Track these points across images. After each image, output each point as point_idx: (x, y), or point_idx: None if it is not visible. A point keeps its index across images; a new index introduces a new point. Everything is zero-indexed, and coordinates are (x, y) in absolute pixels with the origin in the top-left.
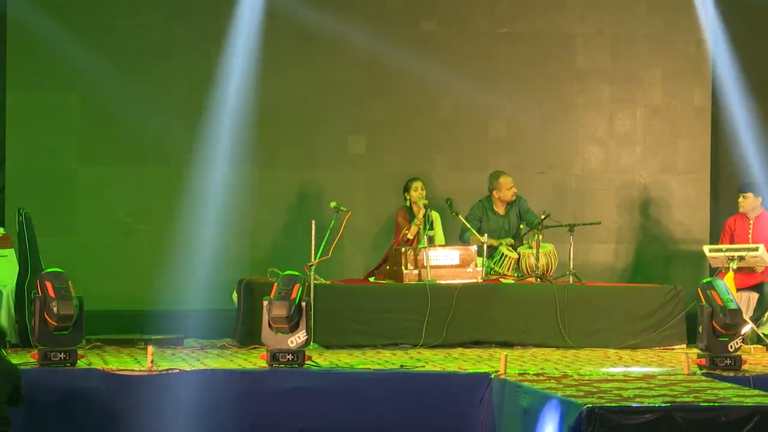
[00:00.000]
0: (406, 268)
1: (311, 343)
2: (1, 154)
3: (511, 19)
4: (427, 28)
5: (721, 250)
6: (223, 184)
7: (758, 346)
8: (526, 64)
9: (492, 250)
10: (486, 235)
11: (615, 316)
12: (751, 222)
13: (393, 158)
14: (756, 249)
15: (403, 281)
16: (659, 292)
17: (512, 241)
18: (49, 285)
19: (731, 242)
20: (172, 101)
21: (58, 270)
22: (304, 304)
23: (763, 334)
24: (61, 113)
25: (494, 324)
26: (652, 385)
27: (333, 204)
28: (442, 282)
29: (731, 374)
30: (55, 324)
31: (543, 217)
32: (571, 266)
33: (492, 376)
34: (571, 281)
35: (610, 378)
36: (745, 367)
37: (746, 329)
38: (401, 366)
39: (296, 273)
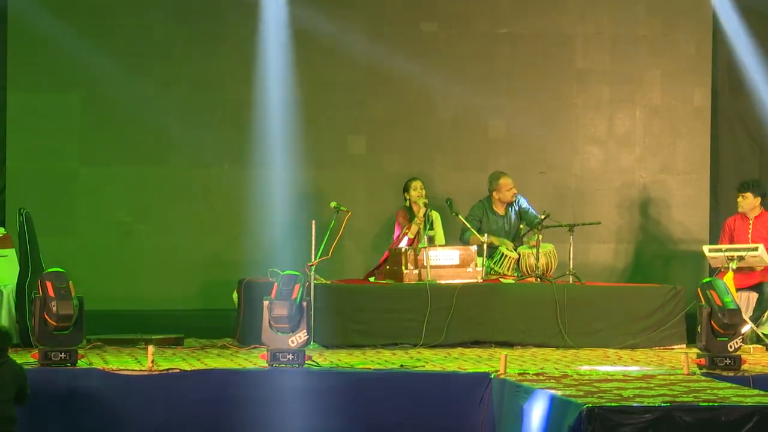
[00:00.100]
0: (406, 268)
1: (311, 343)
2: (2, 154)
3: (511, 20)
4: (427, 28)
5: (720, 250)
6: (223, 184)
7: (758, 345)
8: (526, 65)
9: (492, 250)
10: (486, 234)
11: (615, 316)
12: (751, 222)
13: (393, 158)
14: (756, 249)
15: (403, 281)
16: (659, 292)
17: (511, 244)
18: (49, 285)
19: (731, 242)
20: (172, 101)
21: (59, 270)
22: (305, 303)
23: (763, 333)
24: (61, 113)
25: (494, 324)
26: (652, 385)
27: (333, 204)
28: (442, 282)
29: (731, 374)
30: (55, 324)
31: (543, 217)
32: (571, 266)
33: (492, 376)
34: (570, 281)
35: (609, 378)
36: (744, 366)
37: (746, 329)
38: (401, 366)
39: (296, 273)
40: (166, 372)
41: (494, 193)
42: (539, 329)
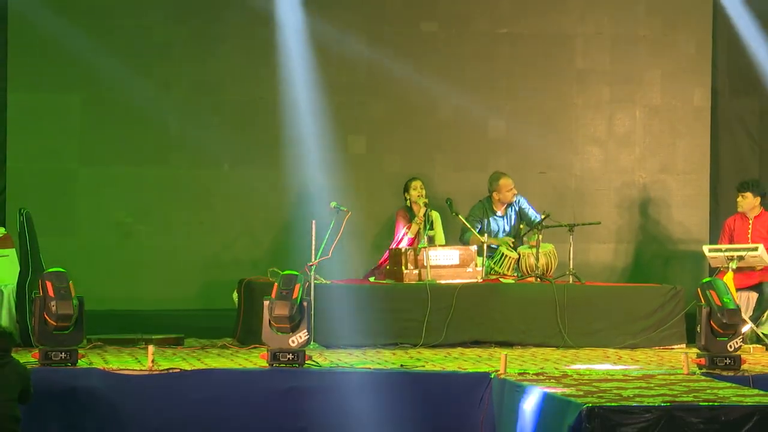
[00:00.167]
0: (406, 268)
1: (311, 343)
2: (2, 155)
3: (511, 20)
4: (427, 28)
5: (720, 250)
6: (223, 184)
7: (758, 345)
8: (526, 65)
9: (492, 250)
10: (486, 235)
11: (615, 316)
12: (751, 222)
13: (393, 158)
14: (755, 249)
15: (403, 281)
16: (659, 292)
17: (512, 240)
18: (49, 285)
19: (731, 242)
20: (172, 102)
21: (60, 270)
22: (305, 303)
23: (763, 333)
24: (61, 114)
25: (494, 324)
26: (652, 385)
27: (333, 204)
28: (442, 282)
29: (731, 374)
30: (55, 324)
31: (543, 217)
32: (571, 266)
33: (492, 376)
34: (570, 281)
35: (609, 377)
36: (744, 366)
37: (746, 329)
38: (401, 366)
39: (295, 273)
40: (166, 372)
41: (494, 194)
42: (539, 329)
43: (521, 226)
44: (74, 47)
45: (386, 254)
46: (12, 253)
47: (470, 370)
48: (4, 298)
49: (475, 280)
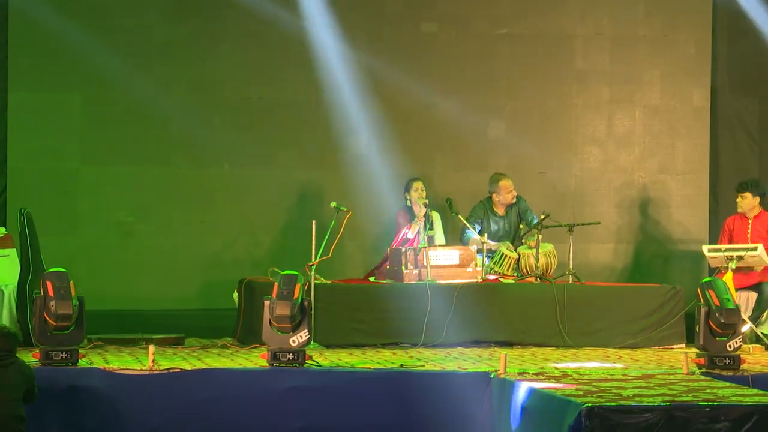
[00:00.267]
0: (406, 268)
1: (312, 343)
2: (3, 154)
3: (510, 20)
4: (427, 29)
5: (720, 250)
6: (224, 184)
7: (757, 345)
8: (526, 65)
9: (492, 251)
10: (486, 235)
11: (614, 316)
12: (750, 222)
13: (393, 158)
14: (755, 249)
15: (403, 281)
16: (658, 292)
17: (510, 245)
18: (49, 284)
19: (730, 242)
20: (172, 101)
21: (61, 270)
22: (306, 303)
23: (762, 333)
24: (62, 113)
25: (494, 323)
26: (652, 385)
27: (333, 204)
28: (442, 282)
29: (730, 373)
30: (54, 323)
31: (542, 217)
32: (571, 266)
33: (492, 376)
34: (570, 281)
35: (609, 377)
36: (743, 366)
37: (745, 329)
38: (401, 365)
39: (295, 273)
40: (166, 371)
41: (494, 195)
42: (539, 329)
43: (521, 226)
44: (75, 47)
45: (386, 254)
46: (12, 253)
47: (470, 370)
48: (4, 297)
49: (475, 280)
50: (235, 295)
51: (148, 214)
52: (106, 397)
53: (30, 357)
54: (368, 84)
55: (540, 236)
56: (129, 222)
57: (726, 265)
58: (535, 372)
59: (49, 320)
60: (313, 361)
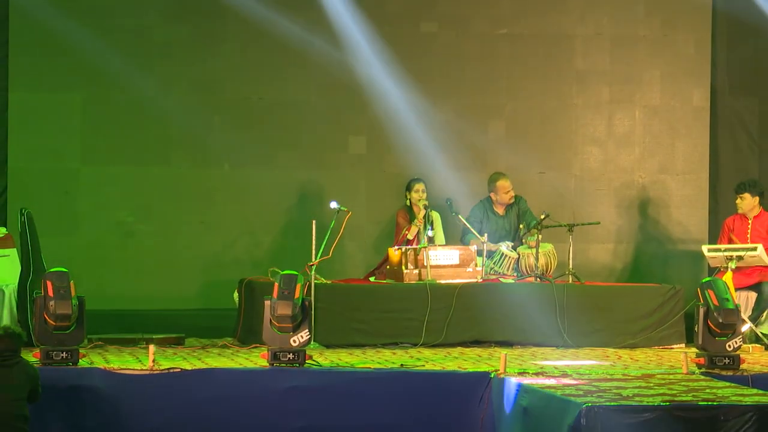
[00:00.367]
0: (407, 268)
1: (312, 343)
2: (4, 154)
3: (510, 20)
4: (427, 29)
5: (719, 250)
6: (224, 184)
7: (757, 345)
8: (526, 65)
9: (492, 251)
10: (486, 235)
11: (614, 316)
12: (750, 222)
13: (393, 158)
14: (754, 249)
15: (403, 281)
16: (658, 292)
17: (510, 245)
18: (49, 284)
19: (730, 242)
20: (173, 101)
21: (62, 270)
22: (307, 303)
23: (762, 333)
24: (62, 113)
25: (494, 323)
26: (651, 384)
27: (333, 204)
28: (442, 282)
29: (730, 373)
30: (54, 323)
31: (542, 217)
32: (571, 266)
33: (492, 375)
34: (570, 281)
35: (609, 377)
36: (743, 366)
37: (745, 328)
38: (401, 365)
39: (295, 272)
40: (167, 371)
41: (492, 195)
42: (539, 329)
43: (521, 226)
44: (75, 47)
45: (387, 254)
46: (13, 253)
47: (470, 370)
48: (5, 297)
49: (475, 280)
50: (236, 295)
51: (148, 214)
52: (106, 396)
53: (31, 357)
54: (369, 84)
55: (540, 236)
56: (129, 222)
57: (726, 265)
58: (535, 372)
59: (48, 320)
60: (314, 361)
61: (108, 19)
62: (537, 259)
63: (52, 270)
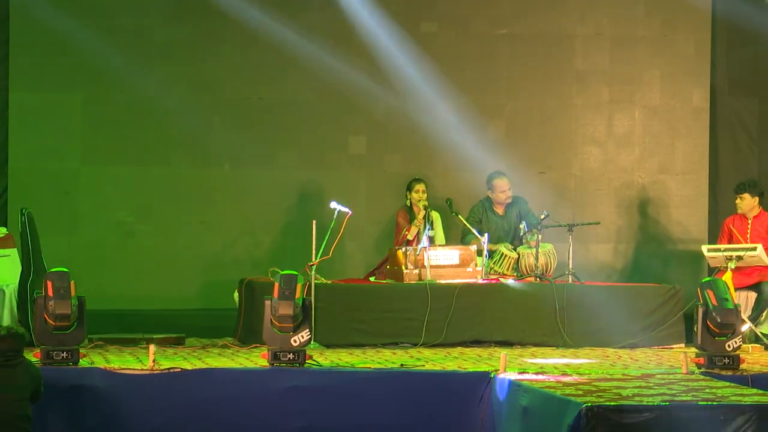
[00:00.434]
0: (407, 268)
1: (312, 343)
2: (4, 155)
3: (510, 20)
4: (427, 29)
5: (719, 250)
6: (224, 184)
7: (756, 345)
8: (526, 65)
9: (492, 251)
10: (486, 235)
11: (614, 316)
12: (750, 222)
13: (393, 158)
14: (754, 249)
15: (403, 281)
16: (658, 292)
17: (510, 245)
18: (49, 284)
19: (729, 242)
20: (173, 101)
21: (63, 270)
22: (307, 303)
23: (762, 333)
24: (63, 113)
25: (494, 323)
26: (651, 384)
27: (333, 204)
28: (442, 282)
29: (729, 373)
30: (53, 323)
31: (542, 217)
32: (570, 266)
33: (492, 375)
34: (570, 281)
35: (609, 377)
36: (743, 366)
37: (744, 328)
38: (401, 365)
39: (294, 272)
40: (167, 371)
41: (489, 193)
42: (539, 328)
43: (520, 226)
44: (76, 47)
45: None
46: (14, 253)
47: (470, 370)
48: (5, 297)
49: (475, 280)
50: (236, 294)
51: (148, 214)
52: (107, 396)
53: (31, 357)
54: (368, 84)
55: (540, 236)
56: (129, 222)
57: (725, 265)
58: (535, 372)
59: (48, 320)
60: (314, 360)
61: (108, 19)
62: (537, 259)
63: (53, 270)
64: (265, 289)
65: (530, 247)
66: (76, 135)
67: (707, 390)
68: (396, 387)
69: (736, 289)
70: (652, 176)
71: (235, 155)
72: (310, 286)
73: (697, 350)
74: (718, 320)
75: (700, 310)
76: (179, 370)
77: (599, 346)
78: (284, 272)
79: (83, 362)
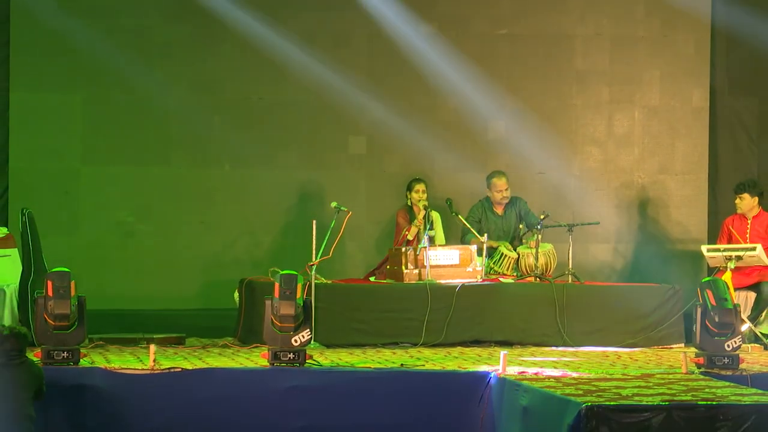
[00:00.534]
0: (407, 268)
1: (312, 342)
2: (5, 155)
3: (510, 21)
4: (427, 29)
5: (719, 250)
6: (224, 184)
7: (756, 345)
8: (526, 65)
9: (492, 250)
10: (486, 234)
11: (614, 316)
12: (749, 222)
13: (393, 158)
14: (754, 249)
15: (403, 281)
16: (657, 292)
17: (510, 244)
18: (50, 284)
19: (729, 242)
20: (173, 101)
21: (64, 270)
22: (308, 302)
23: (761, 333)
24: (63, 113)
25: (494, 323)
26: (651, 384)
27: (334, 204)
28: (442, 282)
29: (729, 373)
30: (53, 323)
31: (542, 217)
32: (570, 266)
33: (492, 375)
34: (570, 281)
35: (609, 377)
36: (742, 365)
37: (744, 328)
38: (402, 365)
39: (294, 272)
40: (167, 371)
41: (488, 192)
42: (538, 328)
43: (520, 226)
44: (76, 47)
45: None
46: (14, 253)
47: (470, 370)
48: (6, 297)
49: (474, 280)
50: (236, 294)
51: (148, 214)
52: (107, 396)
53: (32, 356)
54: (369, 84)
55: (539, 236)
56: (129, 222)
57: (725, 265)
58: (535, 371)
59: (48, 320)
60: (314, 360)
61: (109, 20)
62: (537, 258)
63: (54, 270)
64: (265, 289)
65: (530, 247)
66: (77, 135)
67: (707, 390)
68: (396, 387)
69: (735, 289)
70: (651, 176)
71: (235, 155)
72: (310, 286)
73: (696, 350)
74: (716, 320)
75: (699, 310)
76: (180, 369)
77: (599, 346)
78: (284, 272)
79: (84, 362)
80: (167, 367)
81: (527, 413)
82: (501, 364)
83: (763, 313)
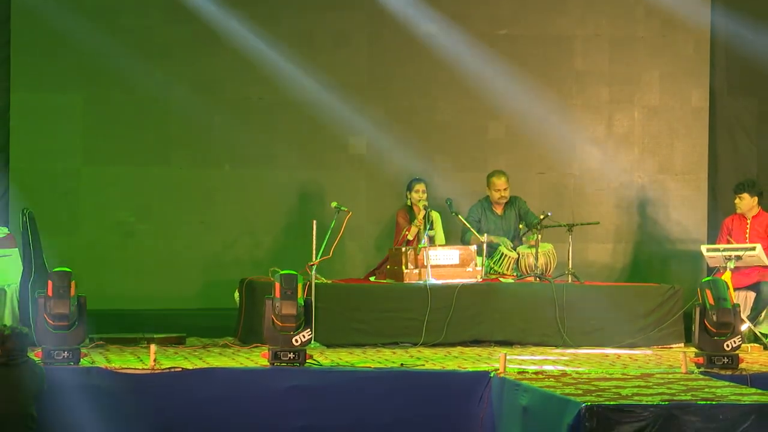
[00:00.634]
0: (407, 268)
1: (312, 342)
2: (5, 155)
3: (510, 21)
4: (427, 29)
5: (718, 250)
6: (224, 184)
7: (755, 344)
8: (526, 65)
9: (492, 250)
10: (486, 234)
11: (613, 316)
12: (749, 222)
13: (393, 158)
14: (753, 249)
15: (403, 281)
16: (657, 292)
17: (510, 244)
18: (50, 284)
19: (729, 242)
20: (174, 102)
21: (65, 269)
22: (309, 302)
23: (761, 333)
24: (64, 114)
25: (494, 323)
26: (650, 384)
27: (334, 204)
28: (442, 282)
29: (728, 373)
30: (52, 323)
31: (542, 217)
32: (570, 266)
33: (491, 375)
34: (569, 281)
35: (608, 376)
36: (742, 365)
37: (744, 328)
38: (401, 364)
39: (294, 272)
40: (168, 371)
41: (487, 191)
42: (538, 328)
43: (520, 226)
44: (76, 47)
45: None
46: (15, 253)
47: (470, 369)
48: (7, 297)
49: (474, 280)
50: (236, 294)
51: (148, 214)
52: (107, 396)
53: (32, 356)
54: (369, 84)
55: (539, 236)
56: (130, 222)
57: (724, 265)
58: (535, 371)
59: (48, 320)
60: (314, 360)
61: (109, 20)
62: (537, 258)
63: (55, 270)
64: (265, 289)
65: (530, 247)
66: (77, 135)
67: (706, 389)
68: (396, 386)
69: (735, 289)
70: (651, 176)
71: (235, 155)
72: (310, 286)
73: (696, 350)
74: (715, 319)
75: (698, 310)
76: (180, 369)
77: (599, 346)
78: (284, 272)
79: (84, 362)
80: (168, 366)
81: (527, 413)
82: (501, 364)
83: (763, 313)
